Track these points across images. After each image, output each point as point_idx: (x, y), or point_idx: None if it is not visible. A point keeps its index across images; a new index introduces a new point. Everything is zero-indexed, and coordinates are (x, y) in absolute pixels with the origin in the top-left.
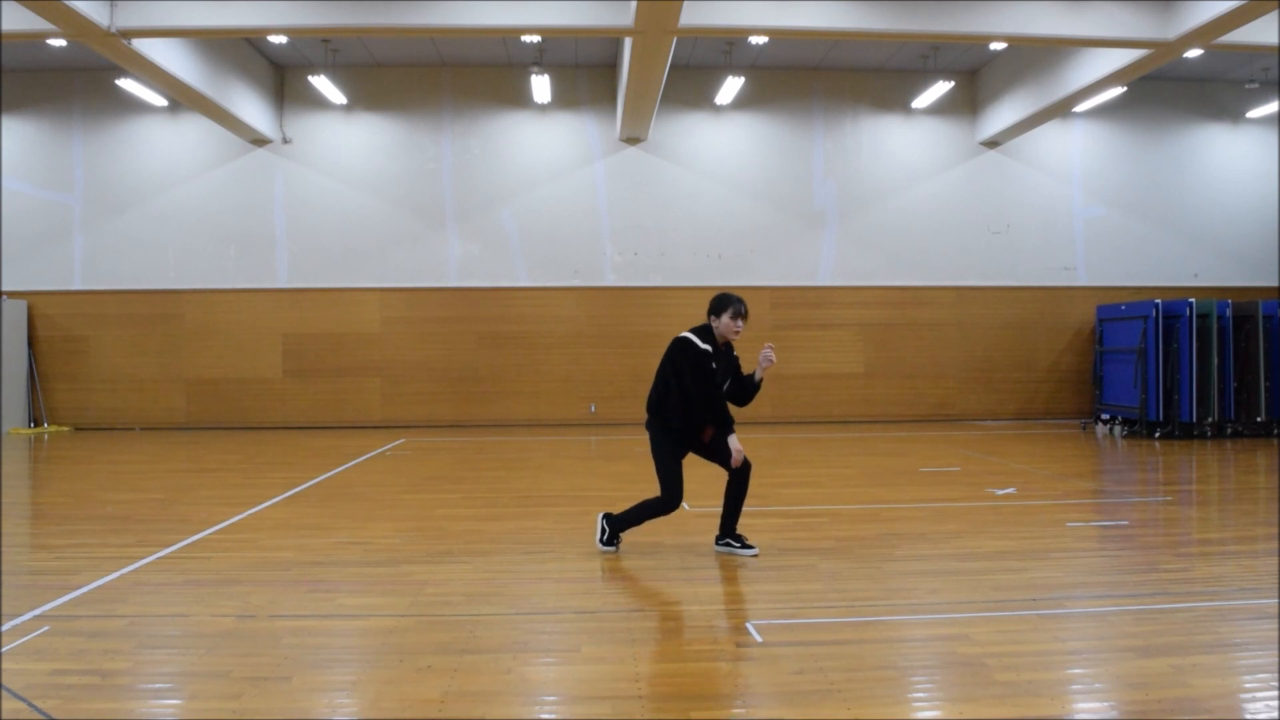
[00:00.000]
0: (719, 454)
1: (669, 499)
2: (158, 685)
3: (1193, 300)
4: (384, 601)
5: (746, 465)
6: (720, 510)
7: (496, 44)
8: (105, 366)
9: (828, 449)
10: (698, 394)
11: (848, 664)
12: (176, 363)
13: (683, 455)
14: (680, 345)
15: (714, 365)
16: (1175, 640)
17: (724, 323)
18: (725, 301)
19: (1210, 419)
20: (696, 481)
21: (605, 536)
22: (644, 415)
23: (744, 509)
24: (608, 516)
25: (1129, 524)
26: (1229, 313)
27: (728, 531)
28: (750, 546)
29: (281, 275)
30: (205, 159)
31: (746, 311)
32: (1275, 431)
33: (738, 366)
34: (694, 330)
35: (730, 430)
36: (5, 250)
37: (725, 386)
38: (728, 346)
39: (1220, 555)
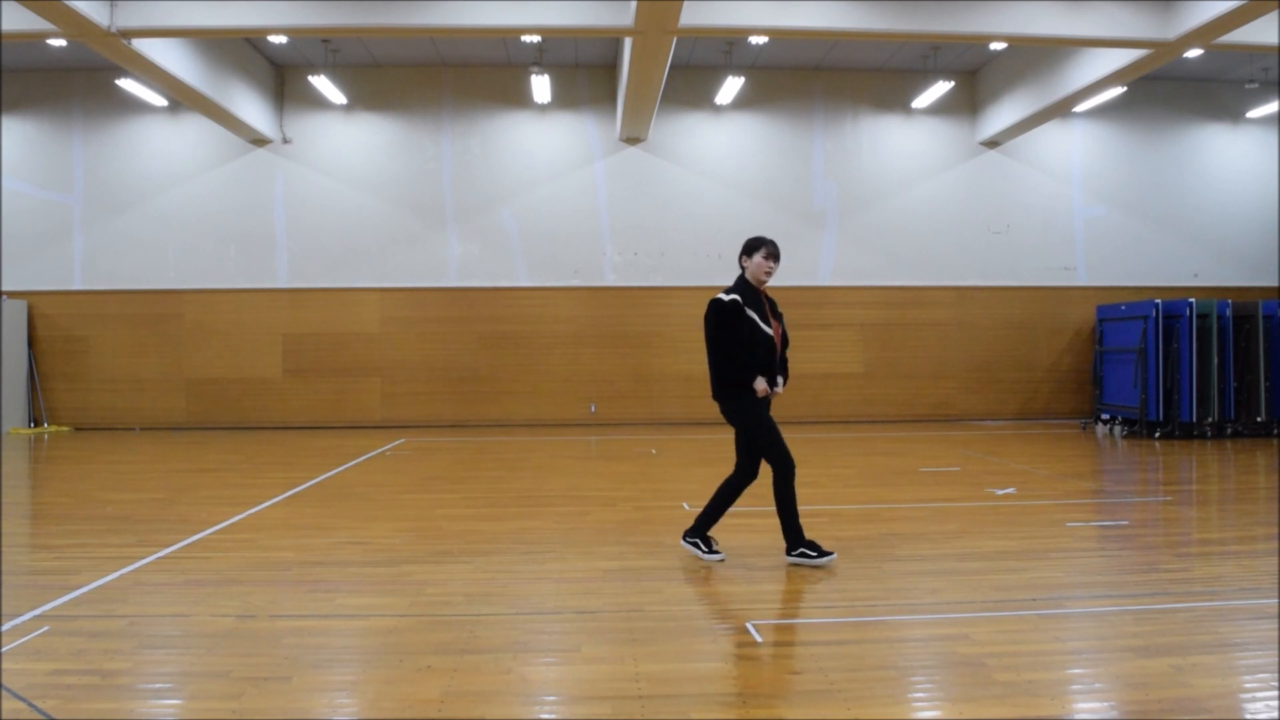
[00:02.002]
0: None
1: (785, 465)
2: (158, 685)
3: (1193, 300)
4: (384, 601)
5: (750, 474)
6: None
7: (496, 44)
8: (105, 366)
9: (828, 449)
10: (744, 351)
11: (848, 664)
12: (176, 363)
13: (767, 410)
14: (709, 309)
15: (749, 311)
16: (1175, 640)
17: (756, 263)
18: (758, 242)
19: (1210, 419)
20: (697, 481)
21: (800, 552)
22: (645, 415)
23: (744, 508)
24: (794, 546)
25: (1129, 524)
26: (1229, 313)
27: (700, 532)
28: (717, 552)
29: (281, 275)
30: (205, 159)
31: (778, 253)
32: (1275, 431)
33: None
34: (724, 290)
35: (776, 379)
36: (5, 250)
37: (777, 332)
38: (767, 298)
39: (1220, 555)
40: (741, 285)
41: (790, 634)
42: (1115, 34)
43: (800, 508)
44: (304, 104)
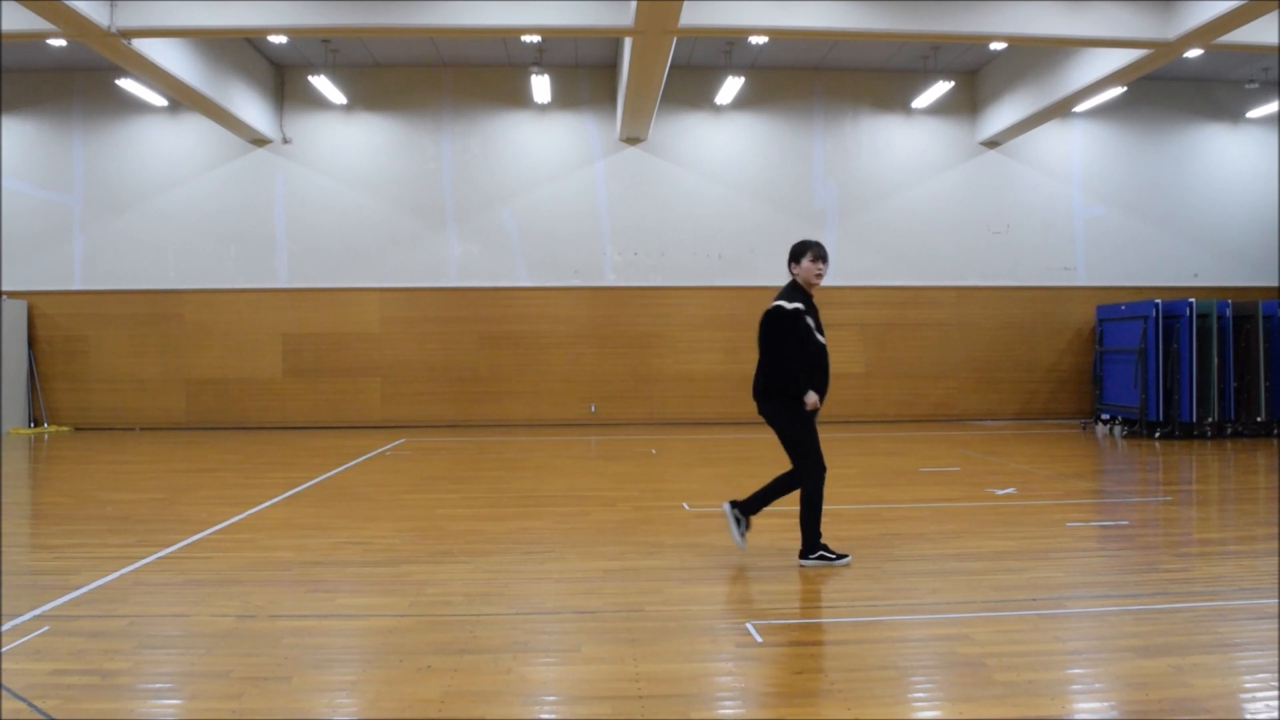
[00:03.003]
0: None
1: (818, 471)
2: (158, 685)
3: (1193, 300)
4: (384, 601)
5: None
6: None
7: (496, 44)
8: (105, 366)
9: (828, 449)
10: (800, 360)
11: (848, 664)
12: (176, 363)
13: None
14: (771, 316)
15: (810, 320)
16: (1175, 640)
17: (805, 267)
18: (804, 246)
19: (1210, 419)
20: (697, 482)
21: (819, 555)
22: (645, 415)
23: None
24: (811, 550)
25: (1129, 524)
26: (1229, 313)
27: (748, 509)
28: (743, 534)
29: (281, 275)
30: (205, 159)
31: (826, 254)
32: (1275, 431)
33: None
34: (780, 296)
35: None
36: (5, 250)
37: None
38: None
39: (1220, 555)
40: (800, 293)
41: (790, 634)
42: (1115, 34)
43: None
44: (304, 104)
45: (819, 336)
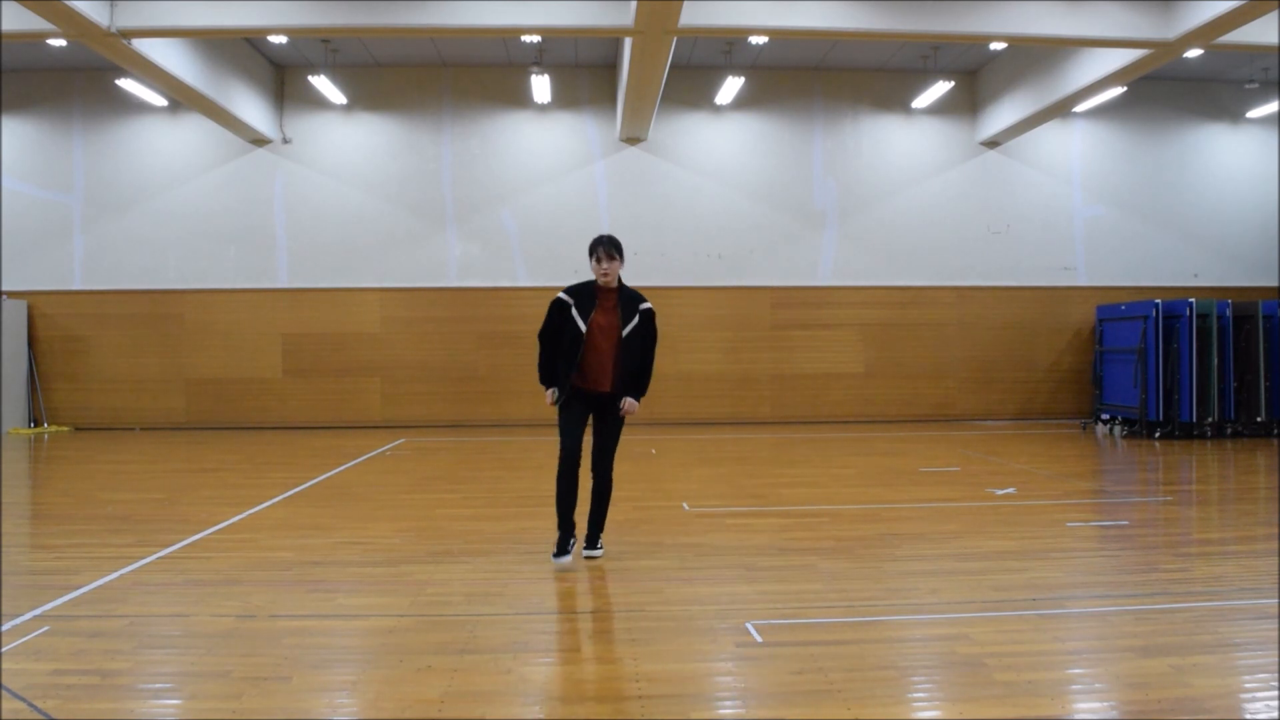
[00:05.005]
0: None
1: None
2: (158, 685)
3: (1193, 300)
4: (384, 601)
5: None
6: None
7: (496, 44)
8: (105, 366)
9: (828, 449)
10: (545, 348)
11: (848, 664)
12: (176, 363)
13: None
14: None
15: (575, 312)
16: (1175, 640)
17: (591, 267)
18: (590, 246)
19: (1210, 419)
20: (697, 482)
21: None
22: (645, 415)
23: (744, 508)
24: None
25: (1129, 524)
26: (1229, 313)
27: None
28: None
29: (281, 275)
30: (205, 159)
31: (601, 251)
32: (1275, 431)
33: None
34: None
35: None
36: (5, 250)
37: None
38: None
39: (1220, 555)
40: (584, 284)
41: (790, 634)
42: (1115, 34)
43: (801, 507)
44: (304, 104)
45: (581, 324)
